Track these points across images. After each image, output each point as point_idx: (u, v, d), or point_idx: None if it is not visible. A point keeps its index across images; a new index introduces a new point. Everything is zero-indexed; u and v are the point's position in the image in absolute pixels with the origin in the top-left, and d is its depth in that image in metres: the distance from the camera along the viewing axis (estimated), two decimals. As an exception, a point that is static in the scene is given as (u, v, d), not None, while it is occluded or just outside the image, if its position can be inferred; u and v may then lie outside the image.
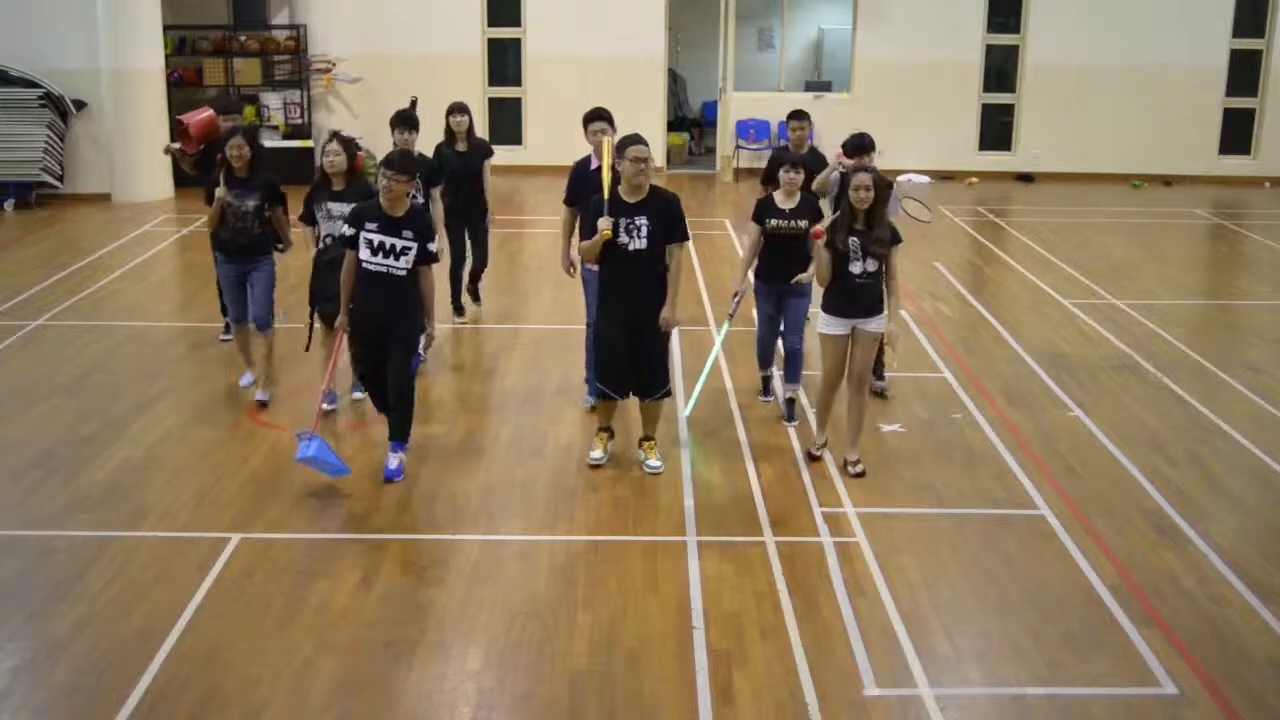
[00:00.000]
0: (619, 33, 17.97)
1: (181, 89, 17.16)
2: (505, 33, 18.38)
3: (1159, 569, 6.26)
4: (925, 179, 18.27)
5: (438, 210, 9.21)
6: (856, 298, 7.17)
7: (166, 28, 16.14)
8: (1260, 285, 12.81)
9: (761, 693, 5.14)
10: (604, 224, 7.03)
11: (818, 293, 7.43)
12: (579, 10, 17.99)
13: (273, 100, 17.59)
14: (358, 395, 8.26)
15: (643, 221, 7.03)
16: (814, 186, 8.20)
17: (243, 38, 17.65)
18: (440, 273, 9.93)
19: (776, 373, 8.58)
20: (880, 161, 8.52)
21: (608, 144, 7.52)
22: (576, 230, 8.13)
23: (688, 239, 7.27)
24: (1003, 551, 6.44)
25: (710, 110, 20.40)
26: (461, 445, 7.82)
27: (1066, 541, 6.55)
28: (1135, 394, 8.89)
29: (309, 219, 7.94)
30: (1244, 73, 18.48)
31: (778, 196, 7.85)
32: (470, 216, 10.00)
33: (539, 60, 18.25)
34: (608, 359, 7.28)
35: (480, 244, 10.20)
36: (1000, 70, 18.65)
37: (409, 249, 6.91)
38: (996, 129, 18.82)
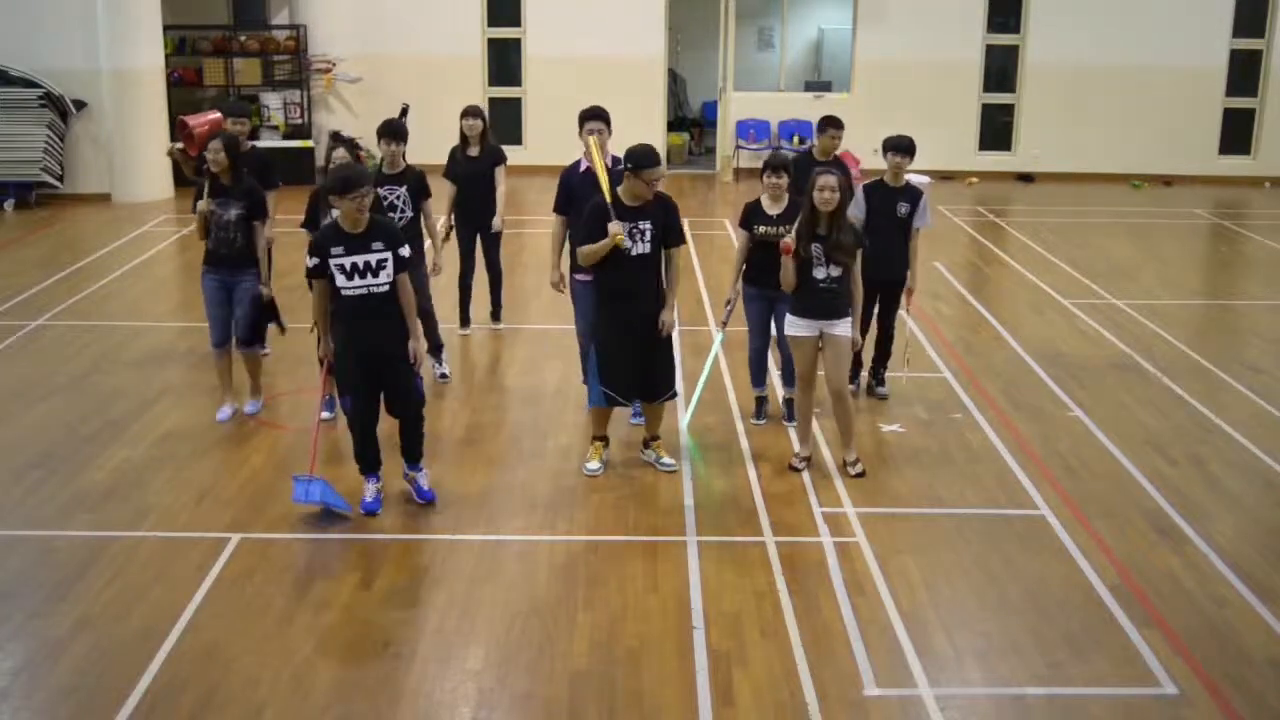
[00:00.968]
0: (619, 33, 17.97)
1: (181, 89, 17.18)
2: (505, 33, 18.39)
3: (1159, 569, 6.26)
4: (926, 179, 18.27)
5: (430, 224, 8.84)
6: (821, 302, 7.15)
7: (166, 28, 16.14)
8: (1260, 285, 12.82)
9: (761, 693, 5.14)
10: (615, 228, 6.88)
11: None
12: (579, 10, 17.99)
13: (273, 100, 17.60)
14: (325, 415, 7.89)
15: (647, 225, 7.00)
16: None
17: (243, 38, 17.65)
18: (450, 282, 9.99)
19: (774, 378, 8.56)
20: (880, 161, 8.53)
21: (595, 144, 7.46)
22: (566, 241, 8.01)
23: (684, 243, 7.25)
24: (1003, 551, 6.44)
25: (710, 110, 20.40)
26: (461, 445, 7.82)
27: (1066, 541, 6.55)
28: (1135, 394, 8.89)
29: (313, 227, 7.70)
30: (1244, 73, 18.48)
31: (765, 201, 7.75)
32: (482, 223, 9.83)
33: (539, 60, 18.25)
34: (614, 366, 7.19)
35: (492, 255, 10.01)
36: (1000, 70, 18.65)
37: (385, 261, 6.43)
38: (996, 129, 18.83)
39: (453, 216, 9.77)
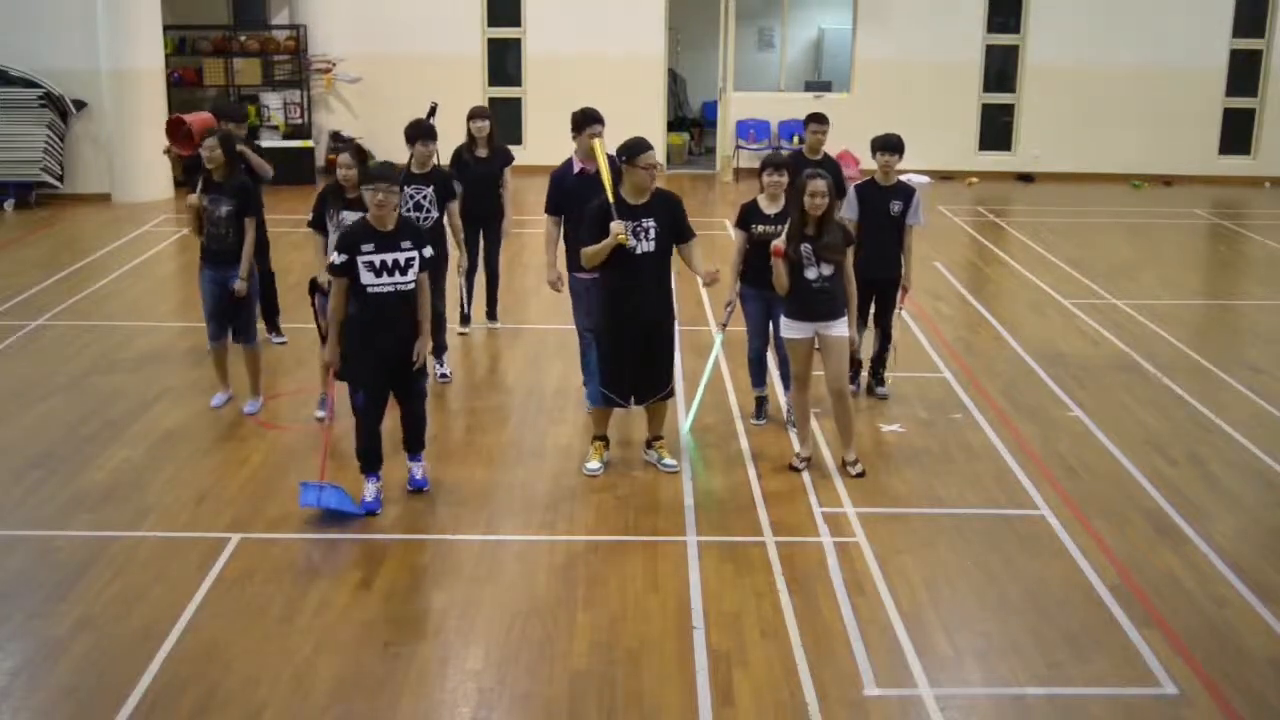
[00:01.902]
0: (619, 33, 17.98)
1: (181, 89, 17.19)
2: (505, 33, 18.39)
3: (1159, 569, 6.26)
4: (925, 179, 18.27)
5: (455, 223, 8.87)
6: (814, 302, 7.16)
7: (166, 28, 16.14)
8: (1260, 285, 12.81)
9: (761, 693, 5.14)
10: (617, 226, 6.88)
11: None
12: (579, 10, 18.00)
13: (273, 100, 17.61)
14: (319, 414, 8.04)
15: (650, 223, 6.99)
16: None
17: (243, 38, 17.66)
18: (451, 279, 9.99)
19: (774, 380, 8.56)
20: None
21: (599, 146, 7.47)
22: (562, 241, 8.10)
23: (695, 236, 7.24)
24: (1003, 551, 6.44)
25: (710, 110, 20.41)
26: (461, 445, 7.82)
27: (1066, 541, 6.55)
28: (1135, 394, 8.89)
29: (319, 226, 7.76)
30: (1244, 73, 18.49)
31: (761, 201, 7.74)
32: (488, 223, 9.86)
33: (539, 60, 18.26)
34: (616, 367, 7.19)
35: (491, 255, 10.05)
36: (1000, 70, 18.66)
37: (412, 260, 6.60)
38: (996, 129, 18.83)
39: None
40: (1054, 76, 18.35)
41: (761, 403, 8.22)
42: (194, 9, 17.62)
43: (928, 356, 9.67)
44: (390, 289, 6.56)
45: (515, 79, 18.49)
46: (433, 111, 9.21)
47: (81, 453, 7.60)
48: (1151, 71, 18.22)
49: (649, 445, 7.49)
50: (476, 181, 9.68)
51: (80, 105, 15.99)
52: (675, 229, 7.07)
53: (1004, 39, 18.56)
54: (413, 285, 6.64)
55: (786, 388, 8.17)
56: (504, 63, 18.53)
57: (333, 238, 7.63)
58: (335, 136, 17.80)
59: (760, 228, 7.67)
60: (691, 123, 21.13)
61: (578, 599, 5.89)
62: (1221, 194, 17.76)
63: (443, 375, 8.94)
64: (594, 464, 7.36)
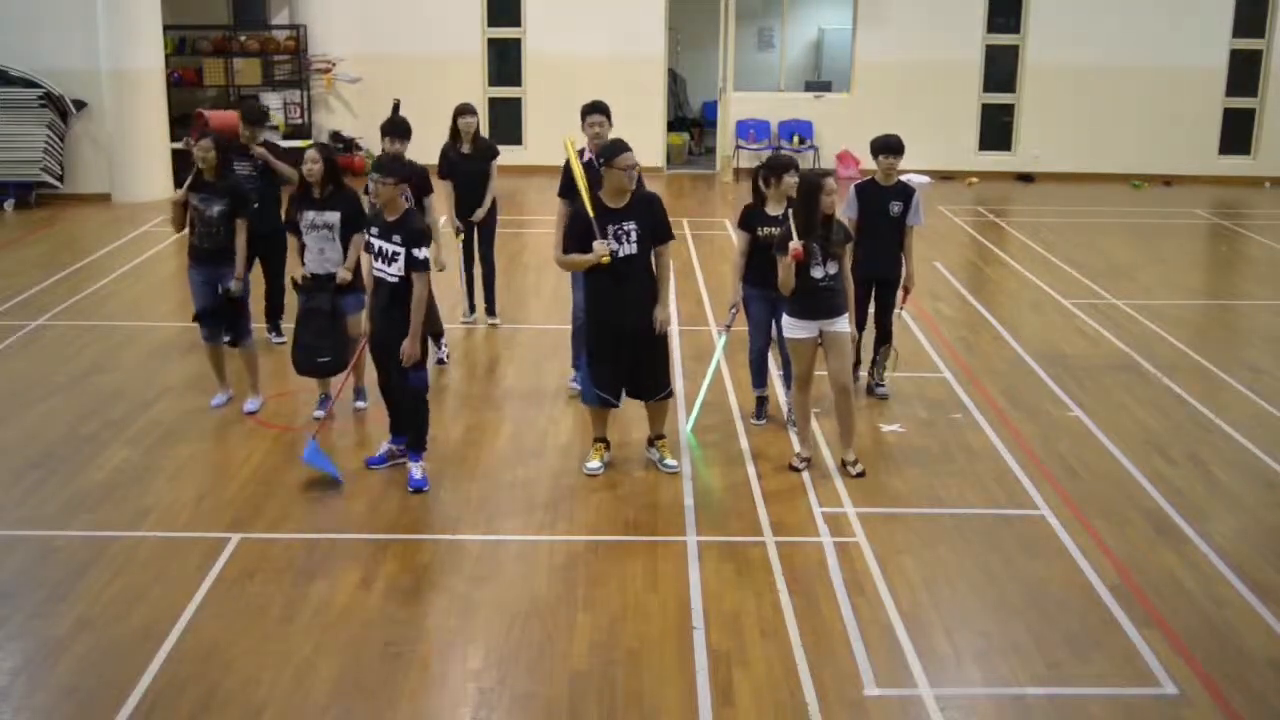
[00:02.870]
0: (619, 33, 17.98)
1: (181, 89, 17.18)
2: (505, 33, 18.40)
3: (1159, 569, 6.26)
4: (925, 179, 18.27)
5: (432, 217, 9.05)
6: (820, 300, 7.16)
7: (166, 28, 16.14)
8: (1260, 285, 12.81)
9: (761, 693, 5.14)
10: (601, 249, 6.91)
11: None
12: (579, 10, 18.00)
13: (273, 100, 17.60)
14: (360, 405, 8.26)
15: (631, 226, 6.98)
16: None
17: (243, 38, 17.66)
18: (452, 275, 10.04)
19: (774, 379, 8.56)
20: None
21: (570, 146, 7.46)
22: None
23: (672, 238, 7.22)
24: (1003, 551, 6.44)
25: (710, 110, 20.41)
26: (461, 445, 7.82)
27: (1066, 541, 6.55)
28: (1135, 394, 8.89)
29: (293, 228, 7.88)
30: (1244, 73, 18.49)
31: (768, 203, 7.73)
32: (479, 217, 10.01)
33: (539, 60, 18.26)
34: (604, 367, 7.20)
35: (485, 249, 10.17)
36: (1000, 70, 18.66)
37: (398, 254, 6.80)
38: (996, 129, 18.83)
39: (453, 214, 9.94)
40: (1054, 76, 18.36)
41: (762, 403, 8.22)
42: (194, 9, 17.62)
43: (928, 356, 9.67)
44: (381, 274, 6.93)
45: (515, 79, 18.49)
46: (396, 108, 9.30)
47: (81, 453, 7.60)
48: (1151, 71, 18.22)
49: (650, 445, 7.50)
50: (467, 177, 9.85)
51: (80, 105, 15.99)
52: (654, 230, 7.07)
53: (1004, 39, 18.56)
54: (396, 279, 6.84)
55: (788, 388, 8.17)
56: (504, 63, 18.54)
57: (308, 237, 7.79)
58: (335, 137, 17.80)
59: (765, 229, 7.66)
60: (691, 123, 21.13)
61: (578, 599, 5.89)
62: (1221, 194, 17.76)
63: (440, 360, 9.01)
64: (594, 464, 7.36)
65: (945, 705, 5.08)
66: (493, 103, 18.27)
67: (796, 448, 7.54)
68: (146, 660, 5.30)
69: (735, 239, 7.96)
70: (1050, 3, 18.25)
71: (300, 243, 7.85)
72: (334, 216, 7.71)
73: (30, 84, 15.66)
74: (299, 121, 17.59)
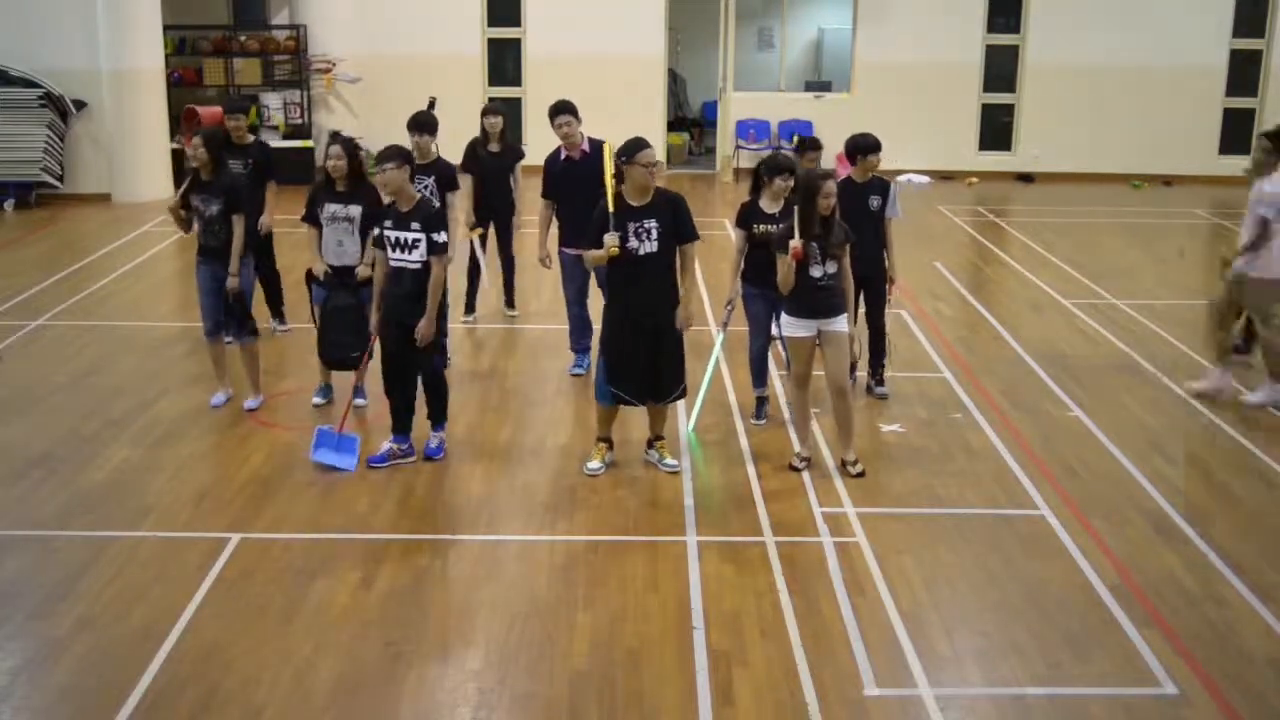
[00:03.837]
0: (619, 33, 17.98)
1: (181, 89, 17.17)
2: (505, 33, 18.40)
3: (1159, 569, 6.26)
4: (925, 179, 18.28)
5: (454, 214, 9.19)
6: (819, 300, 7.17)
7: (166, 28, 16.14)
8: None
9: (761, 693, 5.14)
10: (610, 239, 6.94)
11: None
12: (579, 10, 18.00)
13: (273, 100, 17.61)
14: (360, 402, 8.22)
15: (652, 224, 6.98)
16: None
17: (243, 38, 17.66)
18: (459, 269, 10.08)
19: (774, 379, 8.55)
20: (881, 161, 8.52)
21: (607, 150, 7.49)
22: (553, 222, 8.83)
23: (698, 238, 7.22)
24: (1003, 551, 6.44)
25: (710, 110, 20.41)
26: (461, 445, 7.81)
27: (1066, 541, 6.55)
28: (1135, 394, 8.89)
29: (312, 220, 7.93)
30: (1244, 73, 18.50)
31: (763, 201, 7.75)
32: (499, 215, 10.21)
33: (539, 60, 18.26)
34: (624, 366, 7.18)
35: (506, 247, 10.40)
36: (1000, 70, 18.66)
37: (419, 241, 7.03)
38: (996, 129, 18.84)
39: (472, 210, 10.12)
40: (1054, 76, 18.36)
41: (761, 402, 8.22)
42: (194, 9, 17.62)
43: (928, 356, 9.67)
44: (400, 265, 7.12)
45: (515, 79, 18.49)
46: (432, 105, 9.53)
47: (81, 452, 7.60)
48: (1151, 71, 18.23)
49: (649, 445, 7.49)
50: (489, 175, 10.05)
51: (80, 105, 15.99)
52: (676, 229, 7.07)
53: (1004, 39, 18.56)
54: (418, 266, 7.07)
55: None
56: (504, 63, 18.54)
57: (326, 230, 7.85)
58: (334, 137, 17.76)
59: (761, 227, 7.67)
60: (691, 123, 21.14)
61: (578, 599, 5.89)
62: (1221, 194, 17.73)
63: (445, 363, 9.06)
64: (595, 464, 7.35)
65: (945, 705, 5.08)
66: (492, 103, 18.25)
67: (796, 447, 7.54)
68: (146, 660, 5.30)
69: (733, 236, 7.96)
70: (1050, 3, 18.25)
71: (319, 234, 7.89)
72: (356, 210, 7.79)
73: (30, 84, 15.66)
74: (299, 121, 17.59)
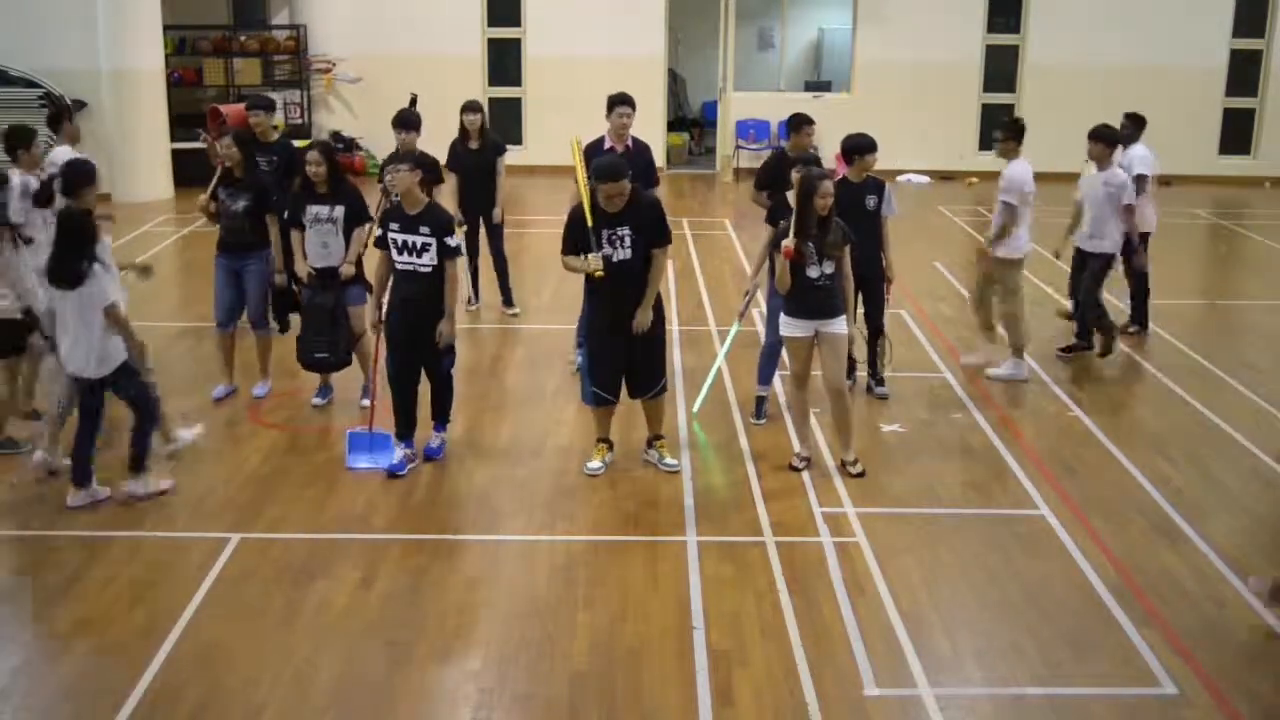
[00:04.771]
0: (619, 33, 17.98)
1: (181, 89, 17.18)
2: (505, 33, 18.40)
3: (1159, 569, 6.26)
4: (925, 179, 18.28)
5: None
6: (816, 300, 7.18)
7: (166, 28, 16.15)
8: (1260, 285, 12.81)
9: (761, 693, 5.14)
10: (596, 262, 6.93)
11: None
12: (579, 10, 18.00)
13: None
14: (365, 403, 8.17)
15: (625, 231, 6.97)
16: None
17: (243, 38, 17.67)
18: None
19: (776, 381, 8.55)
20: (880, 161, 8.52)
21: (575, 146, 7.45)
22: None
23: (669, 242, 7.19)
24: (1003, 551, 6.44)
25: (710, 110, 20.41)
26: (461, 445, 7.81)
27: (1066, 541, 6.55)
28: (1135, 394, 8.89)
29: (296, 223, 8.01)
30: (1244, 73, 18.50)
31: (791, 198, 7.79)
32: (486, 212, 10.28)
33: (539, 60, 18.26)
34: (602, 366, 7.24)
35: (496, 244, 10.46)
36: (1000, 70, 18.66)
37: (429, 245, 7.02)
38: (996, 129, 18.81)
39: (458, 207, 10.13)
40: (1054, 76, 18.35)
41: (761, 402, 8.23)
42: (194, 9, 17.62)
43: (928, 356, 9.67)
44: (409, 268, 7.09)
45: (515, 79, 18.50)
46: (413, 102, 9.64)
47: (81, 453, 7.59)
48: (1151, 72, 18.21)
49: (649, 445, 7.49)
50: (471, 172, 10.11)
51: (80, 105, 15.97)
52: (649, 234, 7.06)
53: (1004, 39, 18.56)
54: (429, 269, 7.05)
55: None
56: (504, 63, 18.54)
57: (309, 232, 7.93)
58: (335, 137, 17.80)
59: (785, 221, 7.66)
60: (691, 123, 21.14)
61: (578, 599, 5.89)
62: (1221, 194, 17.76)
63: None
64: (595, 464, 7.36)
65: (945, 705, 5.08)
66: (492, 103, 18.23)
67: (796, 447, 7.54)
68: (146, 660, 5.30)
69: (762, 232, 8.07)
70: (1050, 3, 18.25)
71: (303, 237, 7.95)
72: (338, 210, 7.87)
73: (30, 84, 15.66)
74: (299, 121, 17.59)
